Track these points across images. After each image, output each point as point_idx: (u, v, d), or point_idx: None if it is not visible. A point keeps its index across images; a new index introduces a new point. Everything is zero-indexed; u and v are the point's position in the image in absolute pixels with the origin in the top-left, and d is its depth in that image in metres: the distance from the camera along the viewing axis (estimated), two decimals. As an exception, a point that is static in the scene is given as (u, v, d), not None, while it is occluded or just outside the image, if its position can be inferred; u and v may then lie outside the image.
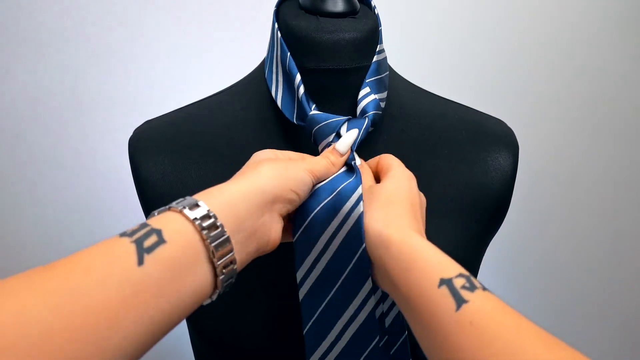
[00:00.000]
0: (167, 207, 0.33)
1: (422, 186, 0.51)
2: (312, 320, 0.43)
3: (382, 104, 0.48)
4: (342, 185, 0.41)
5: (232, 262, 0.34)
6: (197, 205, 0.33)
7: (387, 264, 0.37)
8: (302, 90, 0.45)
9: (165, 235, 0.30)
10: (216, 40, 0.99)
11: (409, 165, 0.48)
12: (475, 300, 0.32)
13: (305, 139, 0.47)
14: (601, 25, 1.04)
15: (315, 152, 0.46)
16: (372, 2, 0.51)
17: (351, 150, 0.44)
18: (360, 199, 0.40)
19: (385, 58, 0.50)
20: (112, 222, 1.07)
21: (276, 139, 0.50)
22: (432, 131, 0.52)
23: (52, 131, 1.00)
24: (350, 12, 0.48)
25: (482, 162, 0.52)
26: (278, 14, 0.49)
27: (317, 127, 0.45)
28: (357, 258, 0.40)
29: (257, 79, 0.52)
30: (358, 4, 0.50)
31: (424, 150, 0.51)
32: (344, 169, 0.44)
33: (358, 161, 0.46)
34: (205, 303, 0.34)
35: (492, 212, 0.52)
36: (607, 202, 1.15)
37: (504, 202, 0.52)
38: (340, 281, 0.42)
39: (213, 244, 0.32)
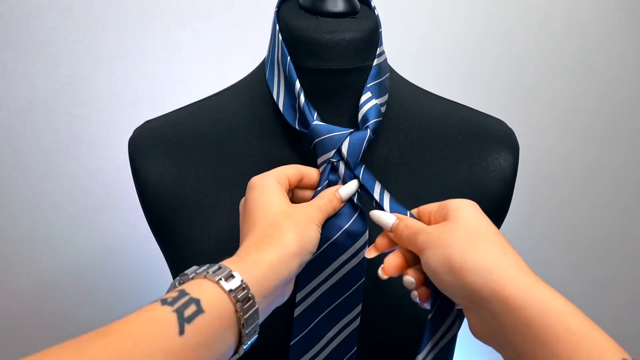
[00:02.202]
0: (203, 272, 0.34)
1: (422, 187, 0.50)
2: (301, 335, 0.46)
3: (383, 108, 0.48)
4: (348, 225, 0.44)
5: (256, 330, 0.35)
6: (232, 276, 0.34)
7: (502, 323, 0.32)
8: (302, 98, 0.45)
9: (204, 306, 0.32)
10: (216, 40, 0.99)
11: (409, 165, 0.48)
12: None
13: (306, 143, 0.47)
14: (603, 26, 1.04)
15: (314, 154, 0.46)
16: (372, 2, 0.51)
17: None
18: (366, 243, 0.44)
19: (386, 60, 0.50)
20: (112, 222, 1.07)
21: (276, 139, 0.50)
22: (432, 131, 0.52)
23: (51, 131, 1.00)
24: (350, 12, 0.48)
25: (483, 163, 0.52)
26: (278, 15, 0.49)
27: (319, 140, 0.45)
28: (353, 290, 0.45)
29: (257, 80, 0.52)
30: (358, 4, 0.50)
31: (425, 151, 0.51)
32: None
33: (390, 219, 0.43)
34: None
35: (493, 212, 0.51)
36: (607, 202, 1.15)
37: (504, 202, 0.52)
38: (333, 305, 0.46)
39: (245, 316, 0.34)
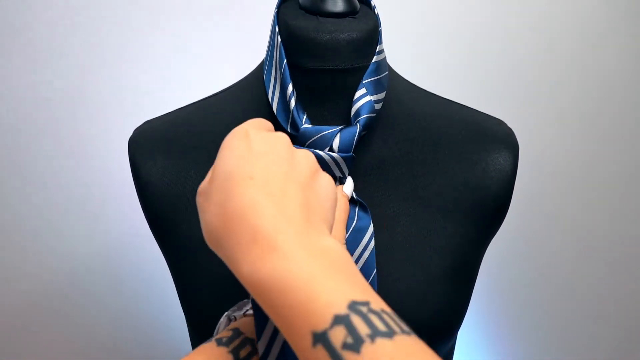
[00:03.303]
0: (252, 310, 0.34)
1: (422, 187, 0.50)
2: None
3: (378, 105, 0.48)
4: (355, 222, 0.45)
5: None
6: None
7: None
8: (293, 102, 0.45)
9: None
10: (216, 40, 0.99)
11: (408, 165, 0.48)
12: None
13: (300, 145, 0.47)
14: (603, 26, 1.04)
15: None
16: (372, 2, 0.51)
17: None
18: (373, 234, 0.45)
19: (385, 58, 0.50)
20: (112, 222, 1.07)
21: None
22: (432, 131, 0.52)
23: (51, 131, 1.00)
24: (350, 12, 0.48)
25: (482, 163, 0.52)
26: (278, 15, 0.49)
27: (310, 141, 0.45)
28: (369, 281, 0.45)
29: (256, 80, 0.52)
30: (358, 4, 0.50)
31: (424, 151, 0.51)
32: None
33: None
34: None
35: (492, 212, 0.52)
36: (608, 202, 1.15)
37: (504, 202, 0.52)
38: None
39: None
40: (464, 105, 0.56)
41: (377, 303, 0.25)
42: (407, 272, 0.48)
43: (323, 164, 0.44)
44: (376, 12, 0.50)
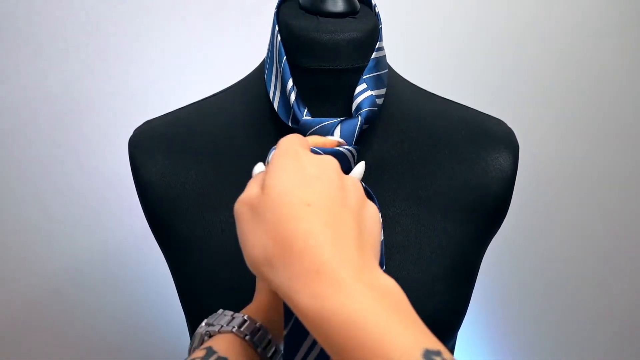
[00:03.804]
0: (229, 328, 0.35)
1: (422, 186, 0.50)
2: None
3: (380, 100, 0.47)
4: None
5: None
6: (258, 329, 0.35)
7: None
8: (293, 96, 0.45)
9: None
10: (216, 40, 0.99)
11: (409, 165, 0.47)
12: None
13: None
14: (602, 25, 1.04)
15: None
16: (372, 2, 0.51)
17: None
18: (382, 229, 0.41)
19: (385, 56, 0.50)
20: (112, 222, 1.07)
21: (275, 139, 0.50)
22: (432, 131, 0.52)
23: (51, 131, 1.00)
24: (350, 12, 0.48)
25: (482, 162, 0.52)
26: (278, 15, 0.49)
27: (310, 132, 0.45)
28: None
29: (256, 79, 0.52)
30: (358, 4, 0.50)
31: (424, 150, 0.51)
32: None
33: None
34: None
35: (492, 212, 0.52)
36: (608, 202, 1.15)
37: (504, 202, 0.52)
38: None
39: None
40: (464, 105, 0.56)
41: (446, 352, 0.25)
42: (407, 272, 0.48)
43: (341, 157, 0.42)
44: (377, 11, 0.50)
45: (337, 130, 0.44)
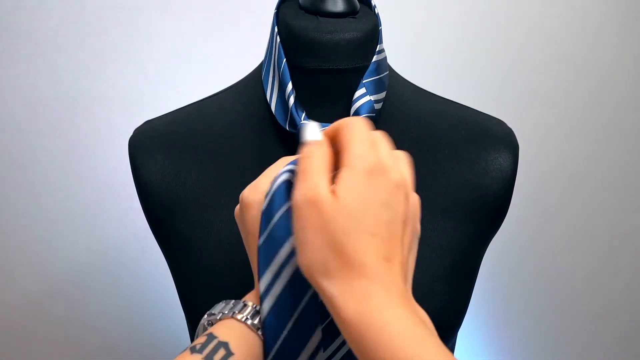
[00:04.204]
0: (229, 313, 0.35)
1: (422, 186, 0.50)
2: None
3: (379, 105, 0.47)
4: None
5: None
6: (257, 313, 0.35)
7: (344, 335, 0.30)
8: (292, 100, 0.45)
9: (233, 348, 0.32)
10: (216, 40, 0.99)
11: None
12: None
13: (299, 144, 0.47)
14: (603, 25, 1.04)
15: None
16: (372, 2, 0.51)
17: None
18: None
19: (385, 58, 0.50)
20: (112, 222, 1.07)
21: (273, 140, 0.50)
22: (432, 131, 0.52)
23: (52, 131, 1.01)
24: (350, 12, 0.48)
25: (482, 162, 0.52)
26: (278, 15, 0.49)
27: None
28: None
29: (256, 80, 0.52)
30: (358, 4, 0.50)
31: (424, 150, 0.51)
32: None
33: (318, 136, 0.35)
34: None
35: (492, 212, 0.52)
36: (608, 202, 1.15)
37: (504, 202, 0.52)
38: None
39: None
40: (464, 105, 0.56)
41: None
42: (407, 272, 0.48)
43: None
44: (376, 12, 0.50)
45: None
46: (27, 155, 1.01)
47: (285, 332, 0.34)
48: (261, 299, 0.34)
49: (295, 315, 0.34)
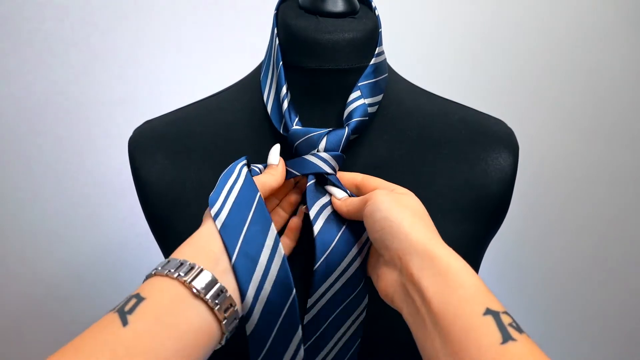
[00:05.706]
0: (153, 272, 0.36)
1: (421, 186, 0.50)
2: (312, 339, 0.46)
3: (373, 109, 0.48)
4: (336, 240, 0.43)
5: (232, 304, 0.36)
6: (181, 265, 0.36)
7: (423, 278, 0.36)
8: (286, 104, 0.46)
9: (144, 294, 0.34)
10: (216, 41, 1.00)
11: (408, 165, 0.48)
12: (524, 342, 0.31)
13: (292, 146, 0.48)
14: (603, 25, 1.04)
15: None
16: (372, 2, 0.51)
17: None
18: (357, 255, 0.44)
19: (384, 60, 0.50)
20: (112, 222, 1.07)
21: (272, 141, 0.50)
22: (432, 131, 0.52)
23: (52, 131, 1.01)
24: (350, 12, 0.48)
25: (482, 162, 0.52)
26: (277, 16, 0.49)
27: (298, 143, 0.46)
28: (356, 293, 0.45)
29: (255, 80, 0.52)
30: (358, 4, 0.50)
31: (424, 150, 0.51)
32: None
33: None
34: (216, 348, 0.36)
35: (492, 212, 0.52)
36: (608, 202, 1.15)
37: (504, 202, 0.52)
38: (341, 307, 0.45)
39: (193, 282, 0.35)
40: (464, 105, 0.56)
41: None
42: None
43: (314, 167, 0.45)
44: (376, 13, 0.50)
45: (323, 142, 0.45)
46: (27, 156, 1.01)
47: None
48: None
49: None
